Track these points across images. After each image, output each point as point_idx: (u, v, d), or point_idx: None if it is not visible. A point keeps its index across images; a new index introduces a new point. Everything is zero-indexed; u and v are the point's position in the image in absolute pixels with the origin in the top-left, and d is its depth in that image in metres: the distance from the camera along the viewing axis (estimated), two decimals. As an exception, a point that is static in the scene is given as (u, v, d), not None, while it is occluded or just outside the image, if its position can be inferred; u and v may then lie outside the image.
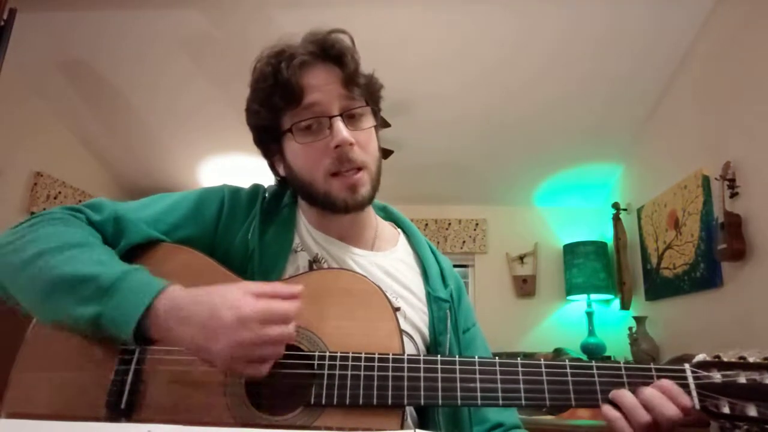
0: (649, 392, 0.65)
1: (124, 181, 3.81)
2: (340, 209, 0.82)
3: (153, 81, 2.96)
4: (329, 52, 0.82)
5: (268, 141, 0.86)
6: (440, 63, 2.74)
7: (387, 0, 2.45)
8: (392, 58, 2.54)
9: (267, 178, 0.94)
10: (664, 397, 0.64)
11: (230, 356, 0.61)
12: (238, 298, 0.63)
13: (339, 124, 0.79)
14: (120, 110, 3.17)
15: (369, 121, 0.84)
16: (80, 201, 3.34)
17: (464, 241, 3.72)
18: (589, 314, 3.29)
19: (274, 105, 0.81)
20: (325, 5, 2.42)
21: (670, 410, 0.63)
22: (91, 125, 3.29)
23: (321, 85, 0.80)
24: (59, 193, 3.16)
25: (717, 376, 0.66)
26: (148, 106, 3.15)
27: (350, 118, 0.81)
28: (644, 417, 0.63)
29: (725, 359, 0.66)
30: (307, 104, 0.80)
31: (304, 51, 0.81)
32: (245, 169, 3.13)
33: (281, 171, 0.89)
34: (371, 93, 0.86)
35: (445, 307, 0.87)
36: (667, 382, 0.65)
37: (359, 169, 0.81)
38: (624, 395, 0.66)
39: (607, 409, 0.66)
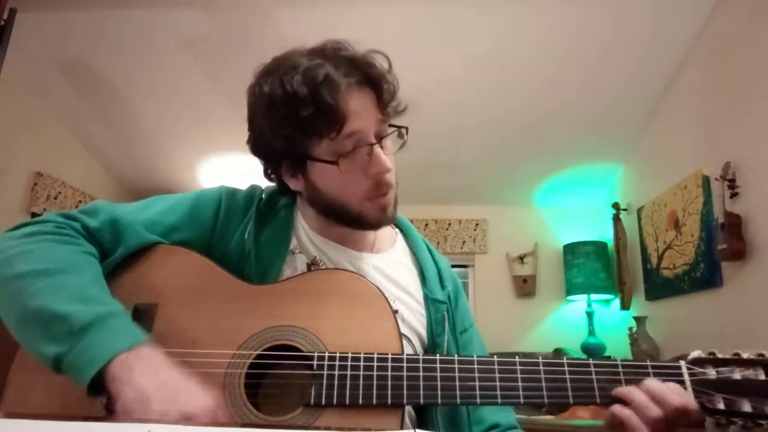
0: (655, 385, 0.66)
1: (124, 181, 3.81)
2: (372, 227, 0.85)
3: (153, 81, 2.96)
4: (369, 77, 0.79)
5: (287, 161, 0.83)
6: (440, 63, 2.74)
7: (389, 0, 2.45)
8: (393, 57, 2.53)
9: (266, 179, 0.94)
10: (667, 390, 0.65)
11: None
12: (193, 408, 0.60)
13: (379, 152, 0.78)
14: (120, 110, 3.17)
15: (397, 143, 0.84)
16: (80, 201, 3.35)
17: (464, 241, 3.72)
18: (589, 314, 3.29)
19: (313, 131, 0.76)
20: (322, 4, 2.42)
21: (676, 400, 0.64)
22: (91, 125, 3.29)
23: (361, 111, 0.77)
24: (59, 193, 3.16)
25: (712, 373, 0.67)
26: (148, 106, 3.16)
27: (382, 140, 0.81)
28: (655, 411, 0.64)
29: (720, 356, 0.67)
30: (350, 132, 0.76)
31: (345, 74, 0.76)
32: (244, 169, 3.13)
33: (295, 186, 0.86)
34: (398, 113, 0.85)
35: (442, 309, 0.87)
36: (673, 385, 0.67)
37: (390, 190, 0.82)
38: (633, 392, 0.66)
39: (619, 409, 0.66)
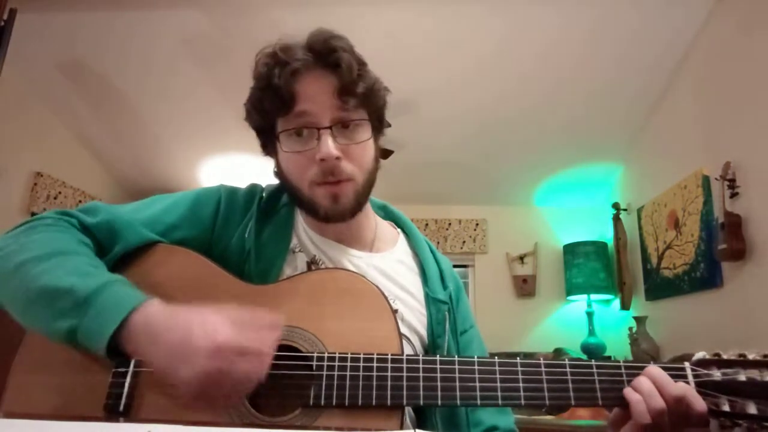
0: (658, 372, 0.67)
1: (124, 181, 3.81)
2: (321, 217, 0.81)
3: (153, 81, 2.96)
4: (326, 59, 0.78)
5: (265, 140, 0.86)
6: (441, 63, 2.73)
7: (387, 0, 2.45)
8: (392, 57, 2.54)
9: (266, 178, 0.94)
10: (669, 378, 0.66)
11: (196, 387, 0.59)
12: (215, 326, 0.61)
13: (326, 137, 0.76)
14: (120, 110, 3.17)
15: (364, 134, 0.81)
16: (80, 201, 3.35)
17: (464, 241, 3.72)
18: (589, 314, 3.29)
19: (265, 109, 0.80)
20: (329, 6, 2.42)
21: (675, 390, 0.65)
22: (91, 125, 3.29)
23: (313, 95, 0.78)
24: (59, 193, 3.16)
25: (717, 374, 0.66)
26: (147, 106, 3.15)
27: (344, 128, 0.79)
28: (660, 402, 0.64)
29: (725, 357, 0.66)
30: (298, 112, 0.78)
31: (301, 57, 0.78)
32: (245, 169, 3.13)
33: (275, 166, 0.88)
34: (371, 104, 0.83)
35: (443, 309, 0.86)
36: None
37: (344, 180, 0.79)
38: (640, 380, 0.67)
39: (629, 392, 0.67)
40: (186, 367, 0.59)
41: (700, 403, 0.65)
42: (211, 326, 0.61)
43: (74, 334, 0.64)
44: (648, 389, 0.65)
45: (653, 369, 0.67)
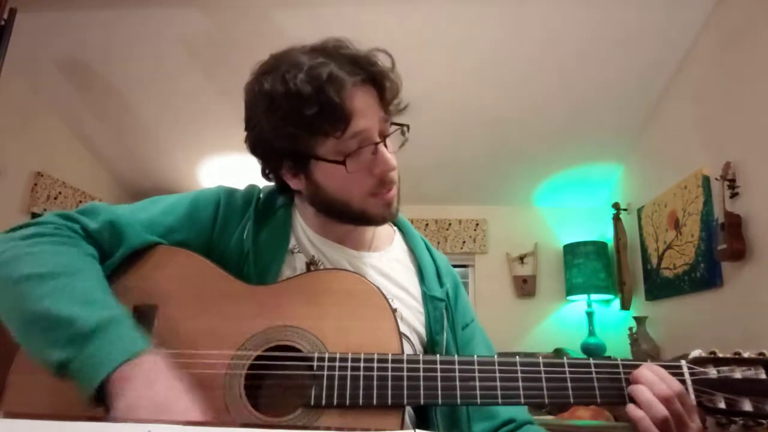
0: (656, 367, 0.67)
1: (124, 181, 3.81)
2: (377, 223, 0.86)
3: (153, 81, 2.96)
4: (372, 75, 0.79)
5: (289, 161, 0.82)
6: (440, 63, 2.74)
7: (387, 2, 2.45)
8: (394, 58, 2.53)
9: (263, 178, 0.94)
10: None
11: None
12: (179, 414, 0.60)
13: (385, 151, 0.79)
14: (120, 110, 3.17)
15: (399, 140, 0.84)
16: (80, 201, 3.35)
17: (464, 241, 3.72)
18: (589, 314, 3.29)
19: (317, 130, 0.75)
20: (330, 7, 2.42)
21: (676, 383, 0.65)
22: (92, 125, 3.29)
23: (365, 110, 0.77)
24: (59, 193, 3.16)
25: (713, 372, 0.67)
26: (148, 106, 3.16)
27: (386, 138, 0.81)
28: (665, 389, 0.65)
29: (721, 355, 0.67)
30: (355, 132, 0.76)
31: (350, 72, 0.76)
32: (245, 169, 3.13)
33: (296, 186, 0.85)
34: (399, 111, 0.85)
35: (441, 307, 0.87)
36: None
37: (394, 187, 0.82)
38: (641, 370, 0.67)
39: (632, 408, 0.66)
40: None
41: (690, 400, 0.66)
42: (168, 409, 0.60)
43: (65, 367, 0.63)
44: (649, 377, 0.66)
45: (650, 364, 0.68)
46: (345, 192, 0.80)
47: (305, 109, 0.73)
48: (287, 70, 0.75)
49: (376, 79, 0.79)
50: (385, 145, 0.80)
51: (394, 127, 0.82)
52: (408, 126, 0.84)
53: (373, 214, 0.82)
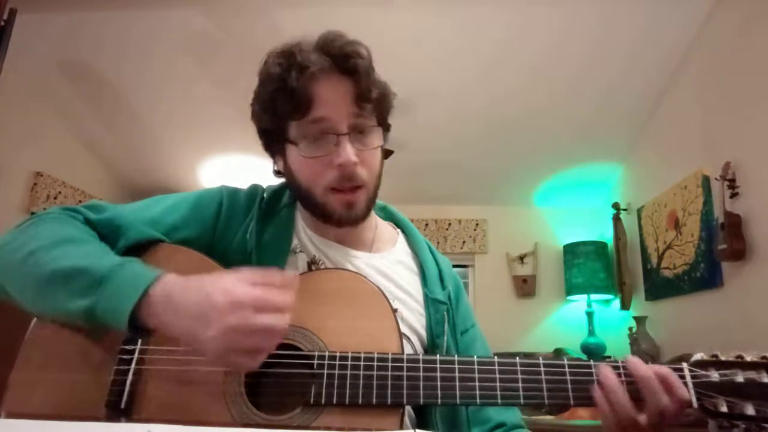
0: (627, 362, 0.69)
1: (125, 181, 3.80)
2: (333, 222, 0.83)
3: (153, 81, 2.96)
4: (344, 64, 0.78)
5: (271, 140, 0.85)
6: (440, 62, 2.73)
7: (388, 0, 2.45)
8: (392, 57, 2.53)
9: (267, 179, 0.94)
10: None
11: (221, 344, 0.59)
12: (231, 284, 0.62)
13: (346, 143, 0.77)
14: (120, 110, 3.17)
15: (377, 140, 0.82)
16: (80, 201, 3.34)
17: (464, 241, 3.72)
18: (589, 314, 3.29)
19: (279, 111, 0.79)
20: (330, 6, 2.42)
21: (641, 368, 0.67)
22: (92, 125, 3.29)
23: (331, 100, 0.78)
24: (59, 193, 3.16)
25: (715, 375, 0.66)
26: (148, 106, 3.15)
27: (359, 134, 0.80)
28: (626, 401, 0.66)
29: (723, 358, 0.66)
30: (316, 118, 0.77)
31: (318, 61, 0.77)
32: (246, 169, 3.13)
33: (279, 168, 0.88)
34: (383, 109, 0.84)
35: (442, 309, 0.87)
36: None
37: (358, 187, 0.80)
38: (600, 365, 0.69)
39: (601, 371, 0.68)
40: (208, 326, 0.59)
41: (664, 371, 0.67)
42: (227, 284, 0.61)
43: (93, 311, 0.64)
44: (606, 370, 0.68)
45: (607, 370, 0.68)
46: (307, 181, 0.81)
47: (271, 90, 0.79)
48: (272, 53, 0.80)
49: (349, 71, 0.79)
50: (351, 140, 0.78)
51: (371, 125, 0.81)
52: (389, 126, 0.85)
53: (331, 211, 0.81)
